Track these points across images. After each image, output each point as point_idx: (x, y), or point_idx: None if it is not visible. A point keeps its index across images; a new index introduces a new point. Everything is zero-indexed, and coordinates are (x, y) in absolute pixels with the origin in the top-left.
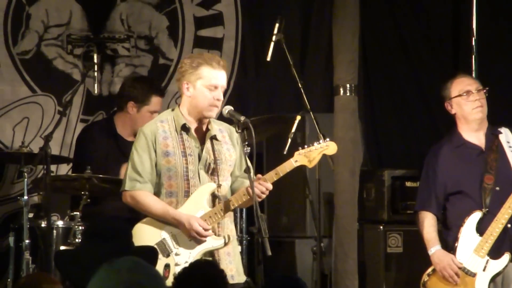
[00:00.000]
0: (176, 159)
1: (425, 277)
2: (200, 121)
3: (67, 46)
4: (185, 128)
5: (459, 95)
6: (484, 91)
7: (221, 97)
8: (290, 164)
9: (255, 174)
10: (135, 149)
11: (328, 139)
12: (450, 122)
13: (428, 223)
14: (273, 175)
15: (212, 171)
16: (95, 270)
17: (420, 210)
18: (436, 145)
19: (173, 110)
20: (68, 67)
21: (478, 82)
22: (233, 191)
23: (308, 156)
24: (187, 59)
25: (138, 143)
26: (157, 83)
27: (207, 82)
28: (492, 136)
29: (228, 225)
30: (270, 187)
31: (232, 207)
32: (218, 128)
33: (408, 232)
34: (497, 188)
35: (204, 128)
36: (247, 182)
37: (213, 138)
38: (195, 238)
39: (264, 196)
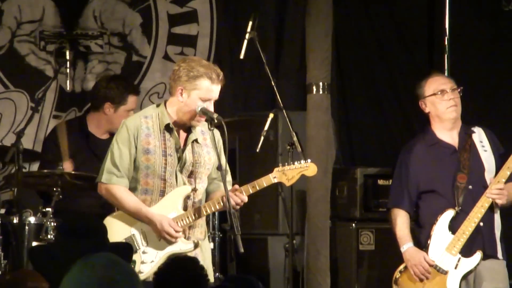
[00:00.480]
0: (155, 157)
1: (397, 274)
2: (184, 124)
3: (40, 42)
4: (168, 128)
5: (434, 94)
6: (459, 90)
7: (211, 109)
8: (269, 180)
9: (231, 179)
10: (115, 141)
11: (309, 160)
12: (423, 120)
13: (401, 221)
14: (249, 188)
15: (190, 174)
16: (70, 266)
17: (392, 207)
18: (410, 143)
19: (158, 106)
20: (41, 64)
21: (453, 81)
22: (208, 193)
23: (287, 174)
24: (185, 64)
25: (119, 135)
26: (131, 82)
27: (203, 95)
28: (465, 135)
29: (199, 227)
30: (246, 199)
31: (204, 214)
32: (200, 130)
33: (380, 229)
34: (470, 187)
35: (187, 129)
36: (223, 186)
37: (195, 141)
38: (165, 239)
39: (238, 207)
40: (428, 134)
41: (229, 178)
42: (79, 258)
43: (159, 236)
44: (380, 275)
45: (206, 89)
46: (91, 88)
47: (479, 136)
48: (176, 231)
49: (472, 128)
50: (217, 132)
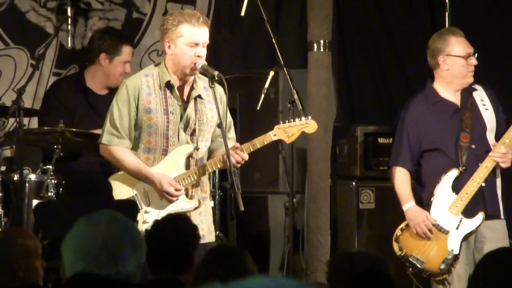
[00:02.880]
0: (157, 116)
1: (398, 232)
2: (184, 78)
3: None
4: (169, 86)
5: (461, 56)
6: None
7: (203, 53)
8: (269, 137)
9: (235, 136)
10: (115, 101)
11: (309, 117)
12: (423, 79)
13: (402, 179)
14: (250, 146)
15: (193, 132)
16: (75, 222)
17: (393, 165)
18: (411, 100)
19: (158, 65)
20: (41, 20)
21: None
22: (211, 151)
23: (287, 131)
24: (168, 17)
25: (119, 96)
26: (126, 33)
27: (187, 40)
28: (467, 94)
29: (203, 186)
30: (246, 157)
31: (207, 172)
32: (203, 86)
33: (380, 188)
34: (473, 146)
35: (189, 86)
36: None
37: (198, 97)
38: (165, 198)
39: (239, 165)
40: (430, 92)
41: (233, 134)
42: (82, 215)
43: (160, 195)
44: (380, 234)
45: (188, 33)
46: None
47: (480, 95)
48: (177, 190)
49: (473, 86)
50: (220, 88)
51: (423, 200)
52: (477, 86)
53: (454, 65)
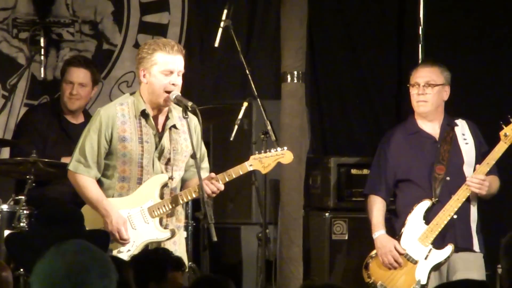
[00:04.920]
0: (132, 145)
1: (368, 259)
2: (159, 108)
3: (12, 30)
4: (144, 114)
5: (410, 84)
6: (436, 86)
7: (178, 82)
8: (245, 168)
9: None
10: (87, 129)
11: (285, 148)
12: (391, 110)
13: (376, 207)
14: (225, 176)
15: (167, 161)
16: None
17: (369, 193)
18: (391, 130)
19: (133, 93)
20: (13, 51)
21: (440, 73)
22: (184, 180)
23: (263, 162)
24: (144, 46)
25: (92, 124)
26: (81, 56)
27: (161, 68)
28: (447, 127)
29: (178, 215)
30: (222, 187)
31: (181, 202)
32: (178, 116)
33: (353, 219)
34: (448, 178)
35: (164, 115)
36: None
37: (173, 126)
38: (113, 235)
39: (214, 195)
40: (409, 123)
41: (206, 165)
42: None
43: (108, 229)
44: (353, 265)
45: (163, 61)
46: None
47: (462, 129)
48: (125, 239)
49: (456, 121)
50: (194, 118)
51: (396, 230)
52: (459, 121)
53: (411, 95)
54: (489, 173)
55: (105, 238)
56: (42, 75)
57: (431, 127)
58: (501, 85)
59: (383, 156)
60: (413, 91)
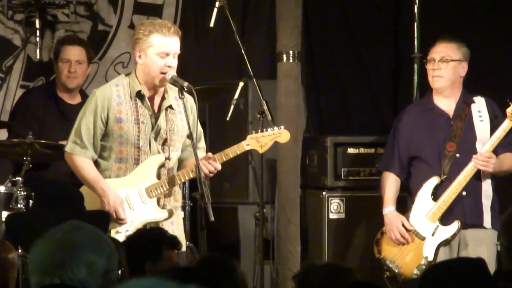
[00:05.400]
0: (128, 126)
1: (378, 235)
2: (155, 88)
3: (7, 11)
4: (140, 95)
5: (427, 60)
6: (452, 61)
7: (174, 64)
8: (242, 147)
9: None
10: (83, 111)
11: (282, 127)
12: (388, 89)
13: (389, 183)
14: (222, 156)
15: (164, 142)
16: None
17: (383, 170)
18: (408, 106)
19: (128, 74)
20: (8, 33)
21: (457, 49)
22: (181, 160)
23: (260, 141)
24: (140, 26)
25: (88, 105)
26: (72, 35)
27: (157, 50)
28: (463, 104)
29: (176, 195)
30: (219, 167)
31: (178, 182)
32: (174, 96)
33: (350, 198)
34: (458, 155)
35: (160, 96)
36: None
37: (169, 107)
38: (111, 215)
39: (211, 175)
40: (426, 99)
41: (203, 144)
42: (54, 226)
43: (103, 208)
44: (349, 243)
45: (159, 43)
46: None
47: (478, 106)
48: (122, 218)
49: (474, 98)
50: (190, 98)
51: (408, 208)
52: (477, 98)
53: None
54: (504, 150)
55: (105, 218)
56: (38, 57)
57: (447, 103)
58: (495, 78)
59: (397, 132)
60: (429, 67)
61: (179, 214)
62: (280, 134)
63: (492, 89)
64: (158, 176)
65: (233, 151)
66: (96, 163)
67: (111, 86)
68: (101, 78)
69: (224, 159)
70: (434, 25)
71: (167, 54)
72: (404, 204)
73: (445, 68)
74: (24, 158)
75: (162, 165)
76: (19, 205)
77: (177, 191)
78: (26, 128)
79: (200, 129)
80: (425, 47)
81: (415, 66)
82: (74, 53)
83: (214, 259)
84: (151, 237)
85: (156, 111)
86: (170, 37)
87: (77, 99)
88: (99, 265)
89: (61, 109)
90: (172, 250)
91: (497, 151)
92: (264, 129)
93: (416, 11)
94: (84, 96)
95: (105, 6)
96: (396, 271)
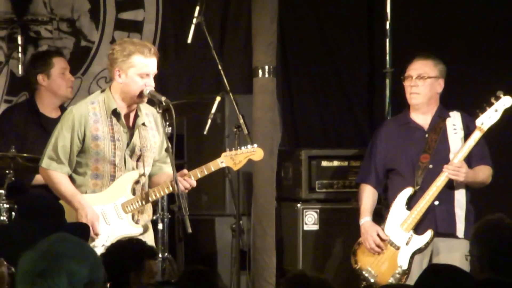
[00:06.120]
0: (105, 143)
1: (355, 246)
2: (130, 106)
3: None
4: (115, 113)
5: (404, 77)
6: (429, 78)
7: (152, 83)
8: (216, 164)
9: (178, 160)
10: (60, 127)
11: (256, 145)
12: (364, 103)
13: (366, 195)
14: (197, 172)
15: (138, 158)
16: (29, 246)
17: (360, 182)
18: (386, 120)
19: (103, 91)
20: None
21: (434, 66)
22: (150, 176)
23: (234, 159)
24: (117, 46)
25: (64, 121)
26: (52, 48)
27: (139, 71)
28: (438, 119)
29: (147, 211)
30: (194, 184)
31: (154, 198)
32: (145, 113)
33: (324, 210)
34: (430, 166)
35: (133, 113)
36: (165, 168)
37: (142, 124)
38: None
39: (186, 191)
40: (403, 114)
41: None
42: (38, 239)
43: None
44: (323, 254)
45: (140, 64)
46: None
47: (453, 119)
48: (96, 233)
49: (450, 112)
50: (158, 115)
51: (384, 219)
52: (452, 113)
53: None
54: (479, 162)
55: (86, 230)
56: (20, 72)
57: (423, 119)
58: (469, 78)
59: (374, 146)
60: (407, 83)
61: (150, 226)
62: (254, 152)
63: (462, 104)
64: (133, 192)
65: (208, 168)
66: (71, 179)
67: (87, 104)
68: (85, 93)
69: (199, 176)
70: (406, 41)
71: (147, 75)
72: (380, 217)
73: (422, 85)
74: (7, 171)
75: (137, 181)
76: (1, 218)
77: (149, 206)
78: (7, 144)
79: (169, 144)
80: (397, 62)
81: (387, 80)
82: (65, 62)
83: (197, 272)
84: (133, 248)
85: (130, 128)
86: (150, 58)
87: (57, 112)
88: (81, 275)
89: (43, 124)
90: (153, 260)
91: (471, 163)
92: (239, 147)
93: (388, 27)
94: (63, 110)
95: (87, 22)
96: (372, 280)
